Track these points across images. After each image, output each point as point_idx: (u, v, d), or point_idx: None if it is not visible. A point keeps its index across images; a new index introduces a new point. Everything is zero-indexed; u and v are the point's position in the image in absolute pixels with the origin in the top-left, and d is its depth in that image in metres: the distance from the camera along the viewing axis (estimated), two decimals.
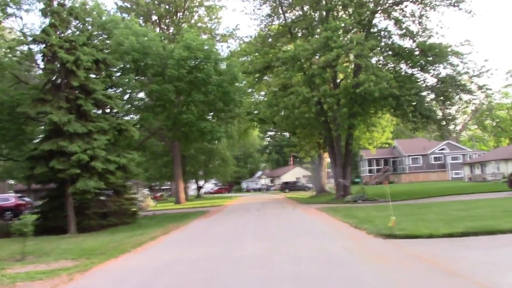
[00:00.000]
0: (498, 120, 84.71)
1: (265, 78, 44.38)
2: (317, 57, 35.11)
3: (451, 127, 37.40)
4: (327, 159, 52.34)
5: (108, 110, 24.44)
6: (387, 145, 66.16)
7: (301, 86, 34.09)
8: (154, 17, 48.44)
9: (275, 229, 17.35)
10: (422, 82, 35.77)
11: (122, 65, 26.24)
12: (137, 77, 27.55)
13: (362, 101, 34.21)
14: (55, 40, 21.04)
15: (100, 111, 23.80)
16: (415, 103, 34.49)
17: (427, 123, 38.64)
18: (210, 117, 32.27)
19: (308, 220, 20.31)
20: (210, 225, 21.27)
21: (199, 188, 76.18)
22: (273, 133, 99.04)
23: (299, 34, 39.63)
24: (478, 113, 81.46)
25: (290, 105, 35.79)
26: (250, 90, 46.58)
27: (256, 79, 41.85)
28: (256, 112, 55.46)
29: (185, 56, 26.53)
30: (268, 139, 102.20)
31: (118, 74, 27.01)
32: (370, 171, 75.82)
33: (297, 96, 34.41)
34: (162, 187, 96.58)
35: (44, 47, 21.42)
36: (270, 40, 40.10)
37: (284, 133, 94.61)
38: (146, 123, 29.35)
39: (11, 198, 36.92)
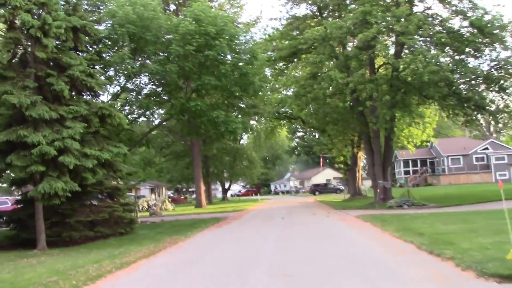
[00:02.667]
0: None
1: (290, 66, 38.68)
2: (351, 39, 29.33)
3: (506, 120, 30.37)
4: (361, 159, 46.11)
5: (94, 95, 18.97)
6: (426, 144, 59.48)
7: (334, 71, 28.19)
8: None
9: (303, 253, 11.39)
10: (477, 67, 29.32)
11: (110, 36, 20.82)
12: (134, 57, 22.03)
13: (407, 88, 28.09)
14: (18, 1, 15.73)
15: (84, 95, 18.38)
16: (468, 92, 28.29)
17: (481, 115, 32.28)
18: (228, 108, 26.54)
19: (350, 236, 14.36)
20: (215, 241, 15.58)
21: (224, 190, 70.53)
22: (302, 133, 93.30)
23: (329, 17, 33.76)
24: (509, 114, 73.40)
25: (321, 95, 29.92)
26: (274, 84, 40.98)
27: (282, 67, 36.13)
28: (282, 109, 50.05)
29: (192, 30, 20.94)
30: (297, 140, 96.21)
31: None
32: (406, 172, 68.83)
33: (328, 82, 28.51)
34: (189, 189, 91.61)
35: (3, 9, 16.14)
36: (297, 22, 34.28)
37: (314, 133, 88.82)
38: (147, 111, 23.86)
39: (8, 202, 32.18)
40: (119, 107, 23.33)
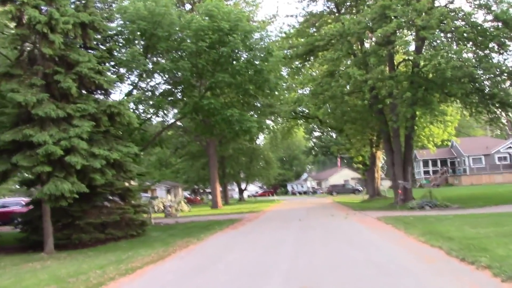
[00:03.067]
0: None
1: (307, 65, 37.71)
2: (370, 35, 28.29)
3: None
4: (380, 158, 44.97)
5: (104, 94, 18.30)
6: (446, 144, 58.02)
7: (352, 68, 27.18)
8: None
9: (323, 260, 10.43)
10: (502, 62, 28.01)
11: (121, 33, 20.18)
12: (147, 55, 21.34)
13: (428, 85, 26.99)
14: None
15: (94, 93, 17.74)
16: (493, 88, 27.03)
17: (505, 112, 30.98)
18: (243, 106, 25.66)
19: (372, 240, 13.38)
20: (229, 244, 14.73)
21: (240, 191, 69.70)
22: (319, 133, 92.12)
23: (347, 14, 32.71)
24: None
25: (339, 93, 28.94)
26: (291, 84, 40.04)
27: (298, 66, 35.21)
28: (299, 108, 49.08)
29: (205, 26, 20.16)
30: (314, 140, 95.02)
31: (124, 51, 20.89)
32: (425, 172, 67.26)
33: (346, 80, 27.53)
34: (206, 190, 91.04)
35: (11, 5, 15.55)
36: (314, 19, 33.34)
37: (331, 133, 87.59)
38: (160, 110, 23.09)
39: (22, 203, 31.78)
40: (132, 106, 22.63)
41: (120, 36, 20.97)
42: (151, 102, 22.66)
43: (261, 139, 77.05)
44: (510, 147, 62.57)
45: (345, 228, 16.92)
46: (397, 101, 26.50)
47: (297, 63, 35.59)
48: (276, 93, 27.29)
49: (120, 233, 18.72)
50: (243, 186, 70.58)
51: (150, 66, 21.50)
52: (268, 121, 55.64)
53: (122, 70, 20.94)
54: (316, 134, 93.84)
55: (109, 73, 16.81)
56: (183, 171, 61.72)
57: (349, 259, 10.13)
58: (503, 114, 30.57)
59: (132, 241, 17.81)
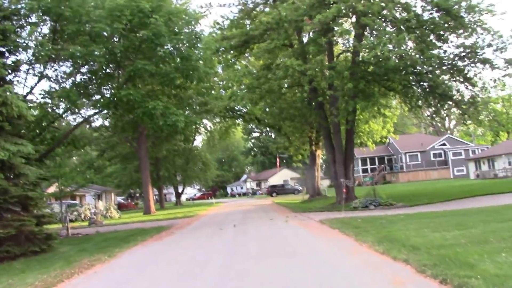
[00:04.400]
0: (493, 114, 76.15)
1: (243, 61, 35.22)
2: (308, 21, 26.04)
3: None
4: (320, 157, 43.13)
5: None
6: (384, 141, 57.34)
7: (290, 59, 24.84)
8: None
9: (257, 284, 7.87)
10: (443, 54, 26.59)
11: (19, 13, 16.71)
12: (54, 39, 17.91)
13: (369, 77, 25.16)
14: None
15: None
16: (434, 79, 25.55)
17: (446, 105, 29.65)
18: (169, 99, 22.59)
19: (318, 251, 10.80)
20: (143, 263, 11.75)
21: (177, 194, 66.00)
22: (258, 133, 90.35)
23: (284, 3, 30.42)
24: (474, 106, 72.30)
25: (276, 86, 26.55)
26: (227, 81, 37.43)
27: (232, 61, 32.58)
28: (236, 107, 46.61)
29: (121, 5, 17.06)
30: (253, 140, 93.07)
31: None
32: (364, 170, 66.59)
33: (284, 72, 25.15)
34: (142, 194, 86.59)
35: None
36: (249, 6, 30.78)
37: (270, 133, 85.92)
38: (71, 103, 19.59)
39: None
40: (38, 100, 19.12)
41: (19, 17, 17.41)
42: (56, 95, 19.18)
43: (198, 140, 74.15)
44: (444, 144, 62.99)
45: (285, 235, 14.33)
46: (338, 94, 24.43)
47: (230, 57, 32.96)
48: (207, 84, 24.37)
49: (18, 250, 15.25)
50: (180, 189, 66.95)
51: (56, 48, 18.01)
52: (204, 121, 52.93)
53: (24, 57, 17.44)
54: (255, 134, 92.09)
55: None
56: (116, 175, 57.64)
57: (291, 283, 7.52)
58: (443, 107, 29.09)
59: (31, 260, 14.45)
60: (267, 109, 42.64)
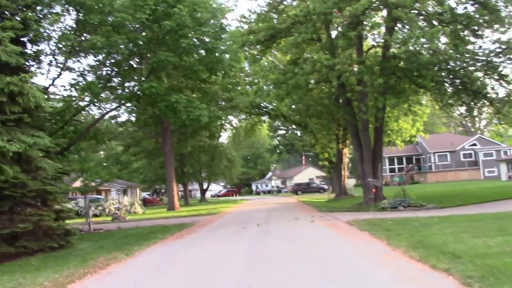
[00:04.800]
0: None
1: (269, 56, 34.33)
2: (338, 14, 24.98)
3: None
4: (347, 155, 41.98)
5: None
6: (413, 139, 55.62)
7: (318, 53, 23.90)
8: None
9: None
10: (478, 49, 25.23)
11: (43, 4, 16.24)
12: (78, 30, 17.44)
13: (400, 73, 24.03)
14: None
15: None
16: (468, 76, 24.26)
17: (479, 103, 28.22)
18: (193, 92, 21.93)
19: (347, 257, 9.84)
20: (160, 264, 11.07)
21: (202, 191, 65.50)
22: (284, 131, 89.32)
23: None
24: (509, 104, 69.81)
25: (303, 82, 25.66)
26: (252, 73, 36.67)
27: (259, 55, 31.71)
28: (262, 104, 45.81)
29: None
30: (279, 138, 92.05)
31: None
32: (391, 170, 64.92)
33: (312, 66, 24.24)
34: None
35: None
36: (276, 2, 29.90)
37: (295, 131, 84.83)
38: (93, 96, 19.06)
39: None
40: (62, 93, 18.68)
41: (42, 6, 16.95)
42: (80, 88, 18.71)
43: (224, 137, 73.70)
44: (474, 144, 60.95)
45: (311, 237, 13.47)
46: (367, 90, 23.36)
47: (256, 52, 32.14)
48: (233, 80, 23.59)
49: (36, 245, 14.80)
50: (205, 185, 66.50)
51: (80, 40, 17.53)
52: (230, 117, 52.32)
53: (45, 47, 16.97)
54: (281, 132, 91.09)
55: (14, 46, 12.83)
56: (141, 170, 57.59)
57: None
58: (476, 105, 27.66)
59: (48, 256, 13.97)
60: (293, 106, 41.79)
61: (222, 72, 19.37)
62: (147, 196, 66.46)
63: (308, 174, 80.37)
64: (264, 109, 48.73)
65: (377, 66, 22.18)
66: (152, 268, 10.35)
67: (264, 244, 12.53)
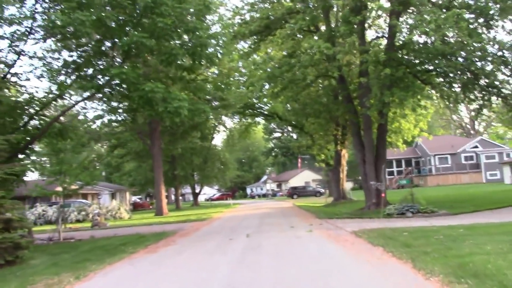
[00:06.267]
0: None
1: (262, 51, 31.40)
2: None
3: None
4: (345, 157, 39.12)
5: None
6: (416, 140, 52.80)
7: (316, 41, 21.12)
8: None
9: None
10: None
11: None
12: (35, 8, 14.59)
13: (407, 64, 21.31)
14: None
15: None
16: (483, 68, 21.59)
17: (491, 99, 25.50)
18: (174, 83, 19.06)
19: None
20: None
21: (194, 194, 62.32)
22: (279, 134, 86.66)
23: None
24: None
25: (300, 75, 22.95)
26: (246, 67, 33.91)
27: (253, 46, 28.88)
28: (258, 104, 43.19)
29: None
30: (274, 141, 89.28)
31: None
32: (389, 173, 62.05)
33: (310, 57, 21.49)
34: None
35: None
36: None
37: (291, 133, 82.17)
38: (57, 85, 16.06)
39: None
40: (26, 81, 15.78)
41: None
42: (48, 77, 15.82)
43: (218, 140, 70.99)
44: (476, 146, 58.33)
45: (312, 255, 10.54)
46: (372, 82, 20.58)
47: (249, 45, 29.33)
48: (223, 74, 20.71)
49: None
50: (197, 189, 63.41)
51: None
52: (224, 118, 49.63)
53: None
54: (276, 134, 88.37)
55: None
56: (132, 174, 54.69)
57: None
58: (489, 101, 24.90)
59: None
60: (289, 106, 39.07)
61: (207, 59, 16.45)
62: (138, 200, 63.46)
63: (304, 177, 77.52)
64: (259, 110, 46.05)
65: (384, 54, 19.38)
66: None
67: (252, 265, 9.66)
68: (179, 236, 17.72)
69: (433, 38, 19.33)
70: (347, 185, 52.85)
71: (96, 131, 33.94)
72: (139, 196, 70.40)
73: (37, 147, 29.12)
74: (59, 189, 29.23)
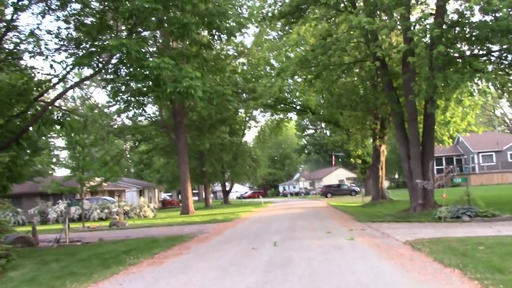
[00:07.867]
0: None
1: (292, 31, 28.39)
2: None
3: None
4: (384, 153, 35.62)
5: None
6: (464, 134, 48.80)
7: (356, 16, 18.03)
8: None
9: None
10: None
11: None
12: None
13: (467, 40, 17.93)
14: None
15: None
16: None
17: None
18: (184, 59, 16.38)
19: None
20: None
21: (225, 192, 59.65)
22: (312, 130, 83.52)
23: None
24: None
25: (337, 58, 19.91)
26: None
27: (283, 30, 25.91)
28: (290, 99, 40.40)
29: None
30: (307, 138, 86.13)
31: None
32: None
33: (349, 35, 18.44)
34: (192, 191, 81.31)
35: None
36: None
37: (325, 130, 78.92)
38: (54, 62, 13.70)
39: None
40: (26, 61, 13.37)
41: None
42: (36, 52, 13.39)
43: (250, 136, 68.55)
44: None
45: (360, 277, 7.50)
46: (421, 62, 17.34)
47: (279, 29, 26.37)
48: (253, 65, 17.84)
49: None
50: (228, 186, 60.76)
51: None
52: (254, 113, 47.11)
53: None
54: (309, 131, 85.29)
55: None
56: (160, 170, 52.71)
57: None
58: None
59: None
60: (323, 97, 36.04)
61: (226, 32, 13.64)
62: (167, 197, 61.37)
63: (338, 175, 73.96)
64: (291, 105, 43.22)
65: (437, 29, 16.10)
66: None
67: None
68: (196, 241, 15.00)
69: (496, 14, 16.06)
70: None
71: (112, 126, 31.81)
72: (170, 194, 68.38)
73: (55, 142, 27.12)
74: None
